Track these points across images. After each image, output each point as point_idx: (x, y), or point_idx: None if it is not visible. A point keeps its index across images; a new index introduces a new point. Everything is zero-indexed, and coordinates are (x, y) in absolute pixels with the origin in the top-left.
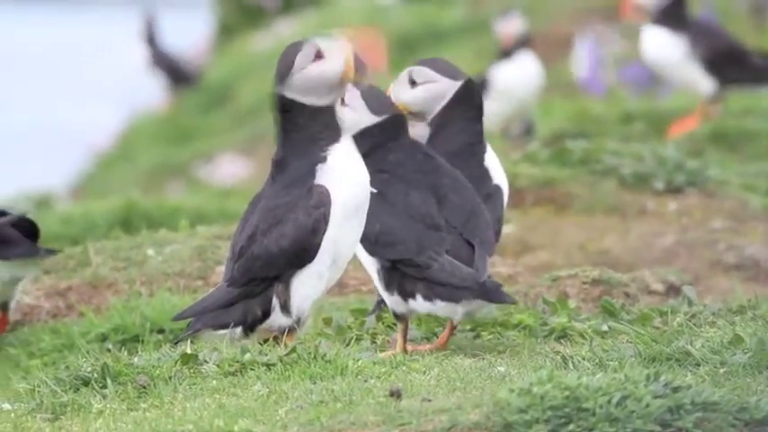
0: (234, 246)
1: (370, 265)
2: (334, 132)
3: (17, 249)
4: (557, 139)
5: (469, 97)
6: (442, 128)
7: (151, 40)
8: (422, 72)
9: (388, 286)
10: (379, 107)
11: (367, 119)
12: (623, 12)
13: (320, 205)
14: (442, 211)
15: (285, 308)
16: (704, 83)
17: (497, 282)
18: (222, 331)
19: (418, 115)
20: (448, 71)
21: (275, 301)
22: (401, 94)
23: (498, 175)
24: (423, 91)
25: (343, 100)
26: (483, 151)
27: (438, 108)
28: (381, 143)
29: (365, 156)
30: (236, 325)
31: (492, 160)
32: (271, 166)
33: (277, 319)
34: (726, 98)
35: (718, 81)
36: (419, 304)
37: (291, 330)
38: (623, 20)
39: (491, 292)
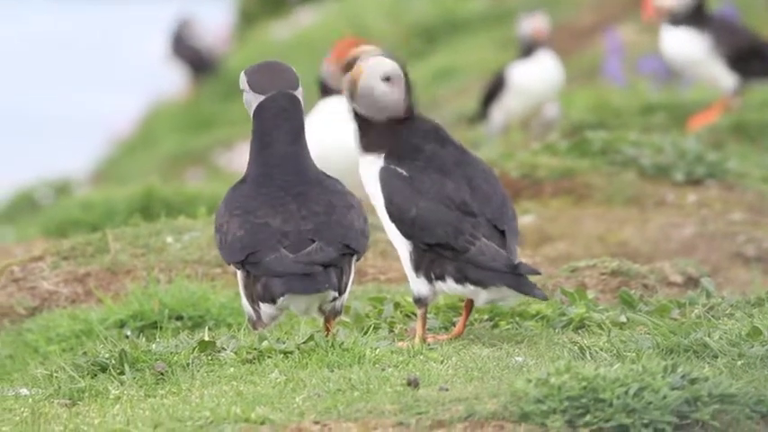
0: None
1: (403, 247)
2: None
3: None
4: (577, 129)
5: None
6: None
7: (176, 33)
8: None
9: (417, 268)
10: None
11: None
12: (645, 12)
13: None
14: (474, 200)
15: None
16: (726, 78)
17: (531, 267)
18: None
19: None
20: None
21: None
22: None
23: None
24: None
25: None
26: None
27: None
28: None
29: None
30: None
31: None
32: None
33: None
34: (746, 91)
35: (740, 76)
36: (448, 286)
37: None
38: (644, 20)
39: (522, 281)
